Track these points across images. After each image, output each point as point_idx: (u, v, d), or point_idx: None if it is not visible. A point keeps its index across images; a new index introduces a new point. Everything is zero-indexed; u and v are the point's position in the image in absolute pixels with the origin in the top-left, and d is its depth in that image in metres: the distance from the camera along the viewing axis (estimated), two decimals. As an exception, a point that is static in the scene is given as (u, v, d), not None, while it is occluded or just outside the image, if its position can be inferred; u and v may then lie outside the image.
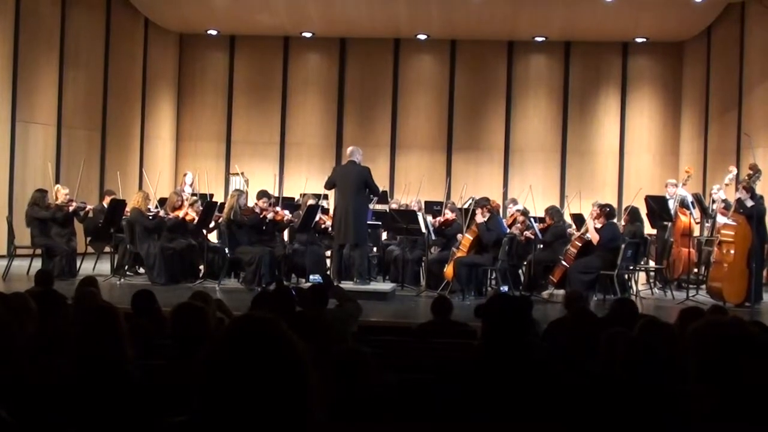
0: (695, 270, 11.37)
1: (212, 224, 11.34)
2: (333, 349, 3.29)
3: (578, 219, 11.42)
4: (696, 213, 11.56)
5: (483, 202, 10.50)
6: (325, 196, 11.69)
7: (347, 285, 9.37)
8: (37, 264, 10.57)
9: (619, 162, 16.18)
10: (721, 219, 10.35)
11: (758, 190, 10.29)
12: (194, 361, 1.72)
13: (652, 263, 11.67)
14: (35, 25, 13.69)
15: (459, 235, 10.66)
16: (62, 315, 4.34)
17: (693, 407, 2.01)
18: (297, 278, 10.94)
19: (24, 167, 13.49)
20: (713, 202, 11.00)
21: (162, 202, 11.51)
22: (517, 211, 11.17)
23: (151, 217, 10.93)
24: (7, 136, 13.32)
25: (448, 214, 11.34)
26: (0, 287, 8.58)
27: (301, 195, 12.45)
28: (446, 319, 6.08)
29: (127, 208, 11.11)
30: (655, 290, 11.19)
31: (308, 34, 16.21)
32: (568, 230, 10.91)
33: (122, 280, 10.69)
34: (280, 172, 16.35)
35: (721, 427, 1.93)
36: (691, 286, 10.83)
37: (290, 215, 11.15)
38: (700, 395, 1.98)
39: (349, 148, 10.67)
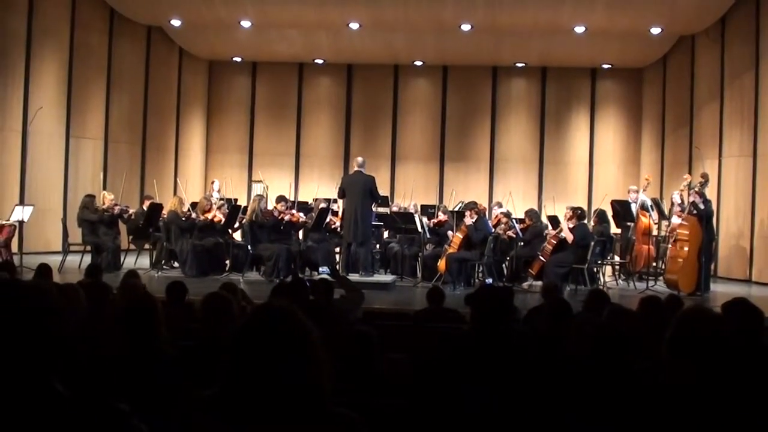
0: (654, 264, 11.35)
1: (237, 225, 11.33)
2: (342, 331, 3.29)
3: (554, 220, 11.41)
4: (654, 215, 11.54)
5: (471, 206, 10.52)
6: (334, 201, 11.68)
7: (354, 277, 9.36)
8: (87, 259, 10.57)
9: (589, 171, 16.14)
10: (676, 220, 10.34)
11: (707, 195, 10.27)
12: (221, 342, 1.72)
13: (617, 258, 11.65)
14: (86, 54, 13.70)
15: (450, 233, 10.65)
16: (109, 302, 4.34)
17: (668, 380, 2.03)
18: (310, 271, 10.92)
19: (76, 176, 13.49)
20: (673, 205, 10.98)
21: (194, 205, 11.50)
22: (501, 213, 11.16)
23: (184, 219, 10.93)
24: (62, 149, 13.34)
25: (441, 216, 11.34)
26: (56, 279, 8.58)
27: (313, 199, 12.43)
28: (439, 306, 6.08)
29: (164, 211, 11.14)
30: (620, 281, 11.17)
31: (320, 61, 16.20)
32: (545, 230, 10.90)
33: (159, 272, 10.68)
34: (296, 180, 16.33)
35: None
36: (650, 278, 10.83)
37: (304, 217, 11.15)
38: (676, 368, 2.00)
39: (359, 158, 10.66)
